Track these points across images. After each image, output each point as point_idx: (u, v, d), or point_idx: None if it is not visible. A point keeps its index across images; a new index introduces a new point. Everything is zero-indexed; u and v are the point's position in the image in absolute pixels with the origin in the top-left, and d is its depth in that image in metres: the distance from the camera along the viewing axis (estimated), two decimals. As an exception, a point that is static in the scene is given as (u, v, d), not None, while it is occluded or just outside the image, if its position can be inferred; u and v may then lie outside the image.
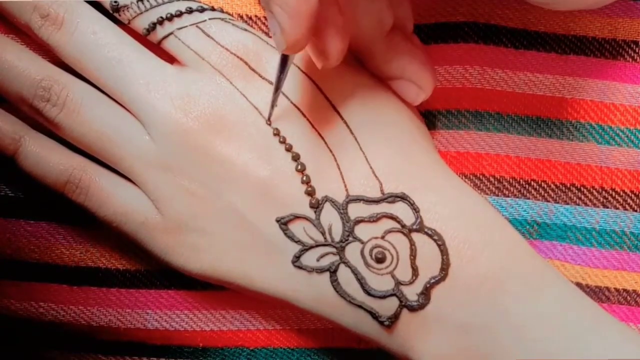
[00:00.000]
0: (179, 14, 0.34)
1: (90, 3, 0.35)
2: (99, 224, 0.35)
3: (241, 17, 0.36)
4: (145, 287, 0.37)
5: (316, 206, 0.33)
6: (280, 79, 0.32)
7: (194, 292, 0.38)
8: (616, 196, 0.37)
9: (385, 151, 0.33)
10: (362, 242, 0.32)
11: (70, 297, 0.37)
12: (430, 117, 0.37)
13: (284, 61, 0.32)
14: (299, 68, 0.34)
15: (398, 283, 0.32)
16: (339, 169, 0.33)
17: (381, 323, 0.32)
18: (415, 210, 0.33)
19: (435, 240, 0.32)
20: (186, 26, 0.34)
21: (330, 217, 0.33)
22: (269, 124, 0.33)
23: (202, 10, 0.34)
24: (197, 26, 0.34)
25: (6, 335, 0.38)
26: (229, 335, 0.38)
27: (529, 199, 0.38)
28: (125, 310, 0.37)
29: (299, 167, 0.33)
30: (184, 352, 0.38)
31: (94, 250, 0.37)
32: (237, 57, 0.34)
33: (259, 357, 0.38)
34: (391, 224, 0.32)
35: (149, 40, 0.35)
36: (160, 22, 0.34)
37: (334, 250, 0.32)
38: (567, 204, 0.38)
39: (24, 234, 0.37)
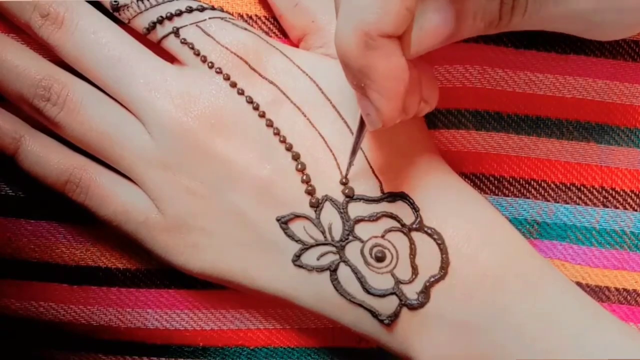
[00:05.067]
0: (179, 13, 0.34)
1: (91, 2, 0.35)
2: (99, 223, 0.35)
3: (241, 16, 0.36)
4: (145, 286, 0.37)
5: (316, 205, 0.33)
6: (358, 142, 0.32)
7: (194, 292, 0.38)
8: (616, 196, 0.37)
9: (385, 150, 0.33)
10: (362, 241, 0.32)
11: (71, 296, 0.37)
12: (430, 116, 0.37)
13: (363, 125, 0.31)
14: (299, 68, 0.34)
15: (398, 282, 0.32)
16: (339, 168, 0.33)
17: (381, 322, 0.32)
18: (415, 209, 0.33)
19: (434, 239, 0.32)
20: (186, 25, 0.34)
21: (330, 216, 0.33)
22: (346, 183, 0.33)
23: (202, 9, 0.34)
24: (197, 25, 0.34)
25: (6, 334, 0.38)
26: (229, 334, 0.38)
27: (529, 198, 0.38)
28: (126, 309, 0.37)
29: (299, 166, 0.33)
30: (184, 352, 0.38)
31: (94, 249, 0.37)
32: (237, 56, 0.34)
33: (259, 357, 0.38)
34: (391, 223, 0.33)
35: (149, 40, 0.35)
36: (160, 21, 0.34)
37: (334, 249, 0.33)
38: (567, 203, 0.38)
39: (24, 233, 0.37)
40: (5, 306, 0.37)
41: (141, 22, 0.34)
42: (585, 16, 0.30)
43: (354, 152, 0.32)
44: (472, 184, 0.37)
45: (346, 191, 0.33)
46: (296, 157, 0.33)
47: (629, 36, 0.33)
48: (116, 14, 0.35)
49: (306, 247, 0.33)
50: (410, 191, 0.33)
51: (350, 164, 0.33)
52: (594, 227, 0.38)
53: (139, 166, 0.34)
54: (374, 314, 0.32)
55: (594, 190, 0.38)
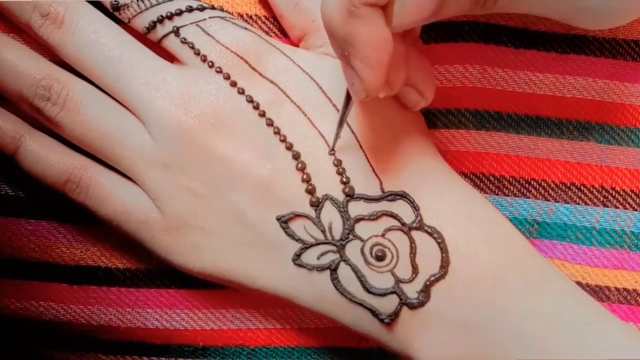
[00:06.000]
0: (179, 13, 0.34)
1: (91, 2, 0.35)
2: (99, 223, 0.35)
3: (241, 15, 0.36)
4: (145, 286, 0.37)
5: (316, 204, 0.33)
6: (345, 113, 0.32)
7: (194, 291, 0.38)
8: (616, 195, 0.37)
9: (385, 149, 0.33)
10: (363, 240, 0.32)
11: (71, 296, 0.37)
12: (430, 116, 0.37)
13: (349, 97, 0.32)
14: (299, 67, 0.34)
15: (398, 281, 0.32)
16: (339, 167, 0.33)
17: (381, 321, 0.32)
18: (415, 208, 0.33)
19: (434, 238, 0.32)
20: (186, 25, 0.34)
21: (330, 215, 0.33)
22: (333, 154, 0.33)
23: (202, 8, 0.34)
24: (197, 25, 0.34)
25: (6, 334, 0.38)
26: (229, 334, 0.38)
27: (529, 198, 0.38)
28: (126, 309, 0.37)
29: (299, 165, 0.33)
30: (184, 351, 0.38)
31: (94, 249, 0.37)
32: (237, 55, 0.34)
33: (259, 356, 0.38)
34: (391, 222, 0.33)
35: (149, 39, 0.35)
36: (161, 20, 0.34)
37: (334, 248, 0.33)
38: (567, 203, 0.38)
39: (24, 233, 0.37)
40: (5, 306, 0.37)
41: (141, 22, 0.34)
42: (572, 1, 0.30)
43: (340, 124, 0.33)
44: (472, 183, 0.37)
45: (346, 190, 0.33)
46: (296, 156, 0.33)
47: (620, 25, 0.33)
48: (116, 13, 0.35)
49: (306, 246, 0.33)
50: (410, 190, 0.33)
51: (337, 136, 0.33)
52: (594, 227, 0.38)
53: (139, 166, 0.34)
54: (374, 313, 0.32)
55: (594, 190, 0.38)
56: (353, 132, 0.33)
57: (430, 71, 0.34)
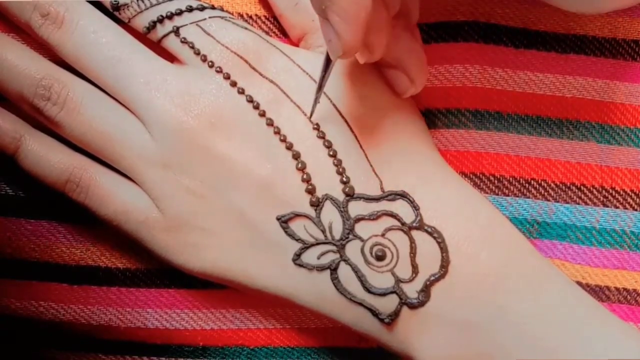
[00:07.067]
0: (179, 13, 0.34)
1: (91, 2, 0.35)
2: (99, 223, 0.35)
3: (241, 15, 0.36)
4: (145, 286, 0.37)
5: (316, 204, 0.33)
6: (324, 77, 0.32)
7: (195, 291, 0.38)
8: (616, 195, 0.37)
9: (385, 149, 0.33)
10: (363, 240, 0.32)
11: (71, 296, 0.37)
12: (430, 116, 0.37)
13: (329, 60, 0.32)
14: (299, 67, 0.34)
15: (398, 280, 0.32)
16: (339, 167, 0.33)
17: (381, 320, 0.32)
18: (415, 208, 0.33)
19: (435, 238, 0.32)
20: (186, 24, 0.34)
21: (330, 215, 0.33)
22: (316, 127, 0.33)
23: (202, 8, 0.34)
24: (197, 24, 0.34)
25: (6, 334, 0.38)
26: (229, 334, 0.38)
27: (529, 197, 0.38)
28: (126, 309, 0.37)
29: (299, 165, 0.33)
30: (184, 351, 0.38)
31: (94, 249, 0.37)
32: (238, 55, 0.34)
33: (259, 356, 0.38)
34: (391, 221, 0.33)
35: (149, 39, 0.35)
36: (161, 20, 0.34)
37: (334, 248, 0.33)
38: (567, 203, 0.38)
39: (25, 232, 0.37)
40: (5, 306, 0.37)
41: (141, 22, 0.34)
42: None
43: (319, 88, 0.32)
44: (472, 183, 0.37)
45: (346, 190, 0.33)
46: (296, 156, 0.33)
47: (603, 11, 0.32)
48: (116, 13, 0.35)
49: (306, 246, 0.33)
50: (410, 190, 0.33)
51: (315, 100, 0.33)
52: (594, 227, 0.38)
53: (139, 166, 0.34)
54: (374, 313, 0.32)
55: (594, 190, 0.38)
56: (353, 132, 0.33)
57: (422, 58, 0.34)
